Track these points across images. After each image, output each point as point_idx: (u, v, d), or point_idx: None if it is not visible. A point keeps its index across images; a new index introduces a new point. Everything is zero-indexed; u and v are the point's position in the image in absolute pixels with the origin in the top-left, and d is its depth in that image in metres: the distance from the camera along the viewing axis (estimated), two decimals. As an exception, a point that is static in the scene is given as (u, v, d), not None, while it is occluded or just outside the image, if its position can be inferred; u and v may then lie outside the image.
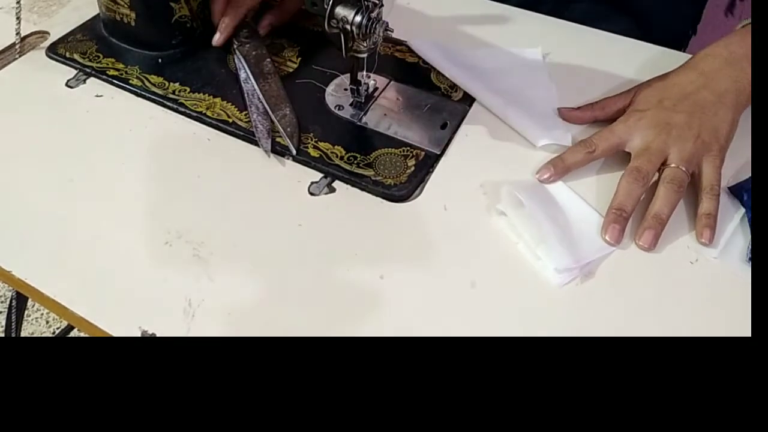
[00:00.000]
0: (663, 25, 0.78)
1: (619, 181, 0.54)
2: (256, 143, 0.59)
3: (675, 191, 0.52)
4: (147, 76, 0.65)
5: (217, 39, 0.68)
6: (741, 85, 0.56)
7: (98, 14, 0.70)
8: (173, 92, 0.64)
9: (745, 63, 0.56)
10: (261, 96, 0.62)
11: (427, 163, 0.57)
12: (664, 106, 0.56)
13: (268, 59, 0.67)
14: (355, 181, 0.56)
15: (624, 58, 0.68)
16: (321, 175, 0.57)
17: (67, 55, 0.68)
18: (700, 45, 0.79)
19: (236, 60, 0.67)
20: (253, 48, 0.68)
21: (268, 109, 0.61)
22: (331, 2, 0.54)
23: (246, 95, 0.63)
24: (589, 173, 0.57)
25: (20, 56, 0.68)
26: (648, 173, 0.53)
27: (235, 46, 0.68)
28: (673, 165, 0.53)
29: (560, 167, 0.56)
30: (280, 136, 0.59)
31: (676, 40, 0.81)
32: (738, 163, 0.57)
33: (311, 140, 0.59)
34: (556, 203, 0.54)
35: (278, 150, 0.58)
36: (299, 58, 0.67)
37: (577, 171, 0.57)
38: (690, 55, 0.62)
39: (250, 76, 0.64)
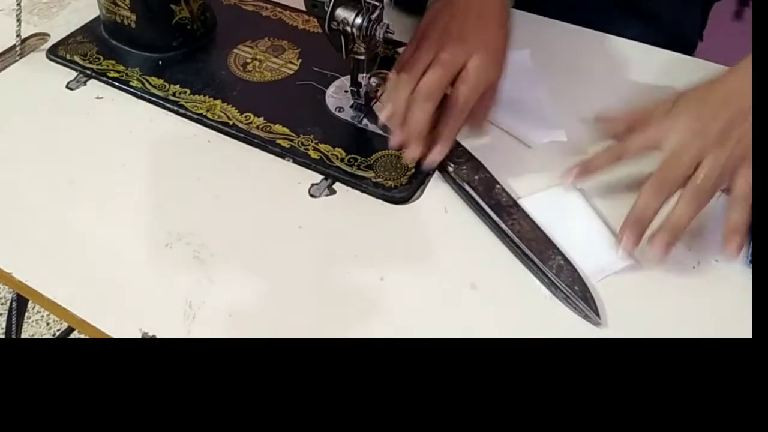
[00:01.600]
0: (673, 28, 0.76)
1: (641, 188, 0.51)
2: (255, 145, 0.59)
3: (699, 200, 0.49)
4: (147, 77, 0.65)
5: (439, 153, 0.55)
6: None
7: (98, 16, 0.70)
8: (174, 94, 0.64)
9: None
10: (520, 243, 0.50)
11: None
12: (705, 112, 0.52)
13: (498, 185, 0.54)
14: (356, 183, 0.56)
15: (629, 60, 0.68)
16: (321, 177, 0.57)
17: (68, 57, 0.68)
18: (707, 51, 0.78)
19: (464, 188, 0.54)
20: (473, 170, 0.55)
21: (537, 261, 0.49)
22: (331, 4, 0.54)
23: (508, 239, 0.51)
24: (608, 181, 0.55)
25: (20, 58, 0.68)
26: (674, 183, 0.50)
27: (450, 170, 0.56)
28: (703, 173, 0.50)
29: (586, 168, 0.54)
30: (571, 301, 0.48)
31: (686, 44, 0.79)
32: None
33: (311, 142, 0.59)
34: (564, 217, 0.53)
35: (278, 152, 0.58)
36: (300, 60, 0.67)
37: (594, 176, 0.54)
38: (692, 57, 0.61)
39: (492, 215, 0.52)
